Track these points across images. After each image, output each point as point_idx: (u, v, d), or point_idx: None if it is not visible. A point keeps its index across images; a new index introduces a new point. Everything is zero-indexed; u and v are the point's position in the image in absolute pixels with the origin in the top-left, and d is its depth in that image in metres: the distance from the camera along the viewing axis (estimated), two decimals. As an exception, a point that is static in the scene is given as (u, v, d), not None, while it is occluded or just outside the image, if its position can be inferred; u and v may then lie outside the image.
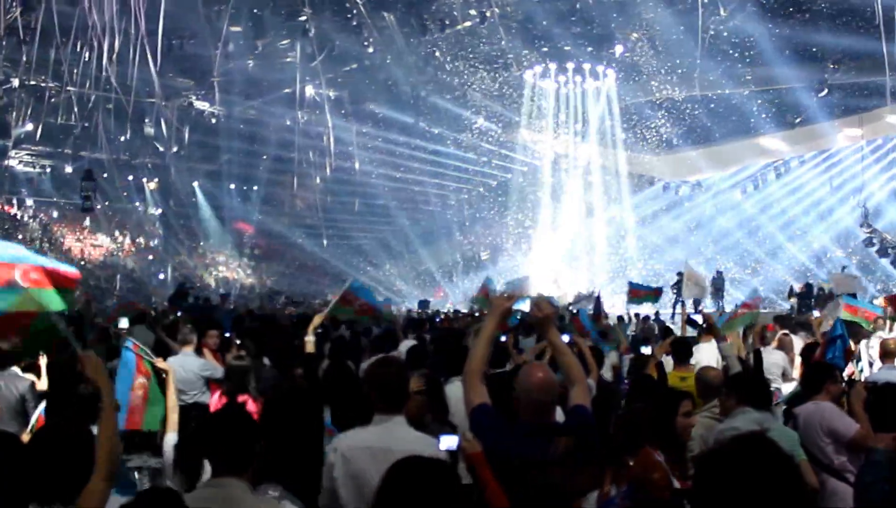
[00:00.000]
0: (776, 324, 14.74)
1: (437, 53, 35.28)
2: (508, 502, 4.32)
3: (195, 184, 44.93)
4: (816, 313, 19.37)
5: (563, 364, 4.94)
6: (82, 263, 41.71)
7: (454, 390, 6.34)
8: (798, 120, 38.63)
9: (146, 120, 37.44)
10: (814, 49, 33.50)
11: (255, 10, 31.76)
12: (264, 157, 43.22)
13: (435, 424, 5.61)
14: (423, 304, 29.38)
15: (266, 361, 9.51)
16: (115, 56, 29.80)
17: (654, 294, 17.17)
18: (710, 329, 9.44)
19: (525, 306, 6.41)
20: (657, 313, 24.79)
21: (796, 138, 39.49)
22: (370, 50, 35.39)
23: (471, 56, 36.25)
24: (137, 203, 44.86)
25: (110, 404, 4.11)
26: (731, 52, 34.40)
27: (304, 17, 30.93)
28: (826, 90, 35.08)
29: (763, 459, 2.66)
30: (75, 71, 32.64)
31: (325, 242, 45.55)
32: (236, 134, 41.63)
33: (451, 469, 3.56)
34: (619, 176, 42.42)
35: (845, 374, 8.70)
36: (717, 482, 2.69)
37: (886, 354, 10.09)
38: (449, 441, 4.45)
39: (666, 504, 4.10)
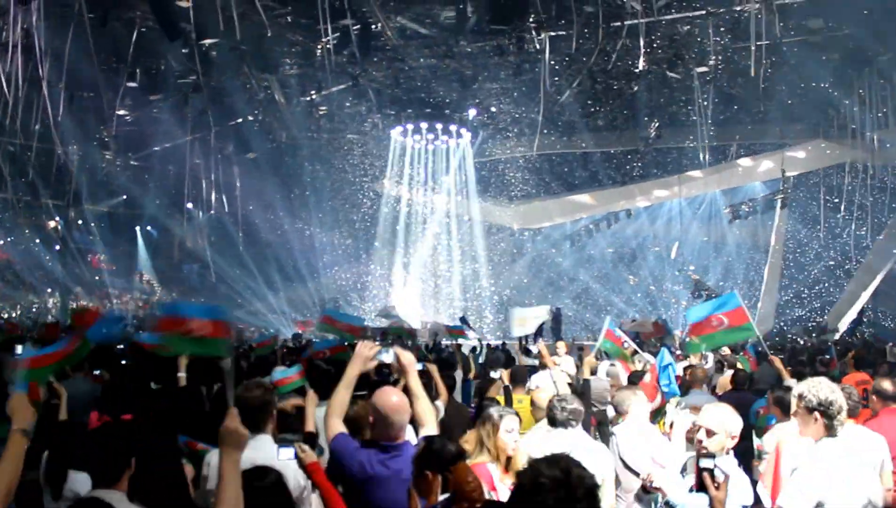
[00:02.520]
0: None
1: (315, 111, 35.45)
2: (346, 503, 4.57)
3: (92, 224, 43.96)
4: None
5: (416, 408, 5.01)
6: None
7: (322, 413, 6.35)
8: (625, 178, 40.38)
9: (48, 164, 36.53)
10: (638, 117, 34.89)
11: (151, 70, 31.50)
12: (157, 201, 42.54)
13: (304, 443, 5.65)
14: (297, 336, 29.36)
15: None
16: (20, 105, 29.02)
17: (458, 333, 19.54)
18: (541, 359, 9.54)
19: (388, 356, 6.44)
20: (503, 344, 25.08)
21: (623, 194, 40.78)
22: (255, 107, 35.50)
23: (345, 113, 36.65)
24: (38, 240, 43.51)
25: (19, 432, 3.92)
26: (564, 119, 35.75)
27: (195, 76, 30.75)
28: (649, 152, 36.80)
29: (563, 477, 2.71)
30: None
31: (213, 277, 44.85)
32: (132, 179, 41.27)
33: (279, 475, 3.95)
34: (473, 225, 43.02)
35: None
36: (526, 496, 2.74)
37: (695, 381, 10.41)
38: (286, 453, 4.57)
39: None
